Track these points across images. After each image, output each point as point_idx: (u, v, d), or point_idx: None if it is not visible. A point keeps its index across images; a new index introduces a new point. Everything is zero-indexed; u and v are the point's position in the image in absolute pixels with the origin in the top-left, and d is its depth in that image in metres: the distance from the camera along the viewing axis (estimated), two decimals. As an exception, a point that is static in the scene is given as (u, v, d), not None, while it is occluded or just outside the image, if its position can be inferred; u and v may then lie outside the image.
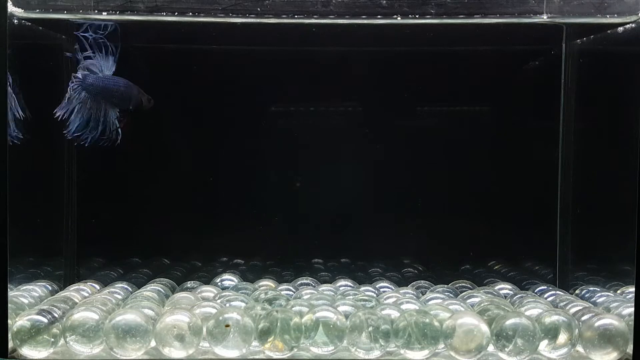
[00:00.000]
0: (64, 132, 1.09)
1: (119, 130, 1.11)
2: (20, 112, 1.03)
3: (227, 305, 1.02)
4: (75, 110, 1.08)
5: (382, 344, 0.92)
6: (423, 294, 1.12)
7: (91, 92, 1.08)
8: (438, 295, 1.10)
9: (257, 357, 0.93)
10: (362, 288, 1.17)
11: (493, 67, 1.31)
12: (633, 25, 1.06)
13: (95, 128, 1.09)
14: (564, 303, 1.06)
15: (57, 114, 1.08)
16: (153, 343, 0.93)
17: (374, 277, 1.27)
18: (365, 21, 1.05)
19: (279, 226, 1.35)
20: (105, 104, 1.10)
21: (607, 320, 0.93)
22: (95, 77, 1.08)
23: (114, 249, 1.33)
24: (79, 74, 1.08)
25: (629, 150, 0.98)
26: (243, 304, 1.02)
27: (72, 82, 1.08)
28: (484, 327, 0.92)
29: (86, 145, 1.09)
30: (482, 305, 1.02)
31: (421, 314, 0.94)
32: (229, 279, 1.21)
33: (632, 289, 0.96)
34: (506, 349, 0.92)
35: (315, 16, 1.04)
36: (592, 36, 1.19)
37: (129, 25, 1.08)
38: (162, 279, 1.20)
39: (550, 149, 1.26)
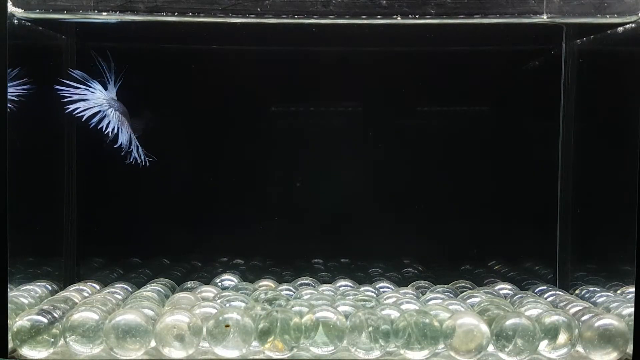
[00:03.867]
0: (115, 146, 1.12)
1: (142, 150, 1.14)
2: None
3: (227, 305, 1.02)
4: (119, 126, 1.10)
5: (382, 344, 0.92)
6: (423, 294, 1.12)
7: (121, 114, 1.10)
8: (438, 295, 1.10)
9: (257, 357, 0.93)
10: (362, 288, 1.17)
11: (493, 67, 1.31)
12: (633, 25, 1.05)
13: (138, 144, 1.12)
14: (564, 303, 1.06)
15: (107, 131, 1.11)
16: (153, 343, 0.93)
17: (374, 277, 1.27)
18: (365, 21, 1.05)
19: (279, 226, 1.35)
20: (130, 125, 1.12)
21: (607, 321, 0.93)
22: (115, 101, 1.10)
23: (114, 249, 1.33)
24: (107, 96, 1.10)
25: (629, 150, 0.98)
26: (243, 304, 1.02)
27: (102, 105, 1.10)
28: (484, 327, 0.92)
29: (140, 162, 1.13)
30: (482, 305, 1.02)
31: (421, 314, 0.94)
32: (229, 279, 1.22)
33: (632, 289, 0.96)
34: (506, 349, 0.92)
35: (315, 16, 1.04)
36: (592, 36, 1.19)
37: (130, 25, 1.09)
38: (162, 279, 1.20)
39: (550, 149, 1.26)
